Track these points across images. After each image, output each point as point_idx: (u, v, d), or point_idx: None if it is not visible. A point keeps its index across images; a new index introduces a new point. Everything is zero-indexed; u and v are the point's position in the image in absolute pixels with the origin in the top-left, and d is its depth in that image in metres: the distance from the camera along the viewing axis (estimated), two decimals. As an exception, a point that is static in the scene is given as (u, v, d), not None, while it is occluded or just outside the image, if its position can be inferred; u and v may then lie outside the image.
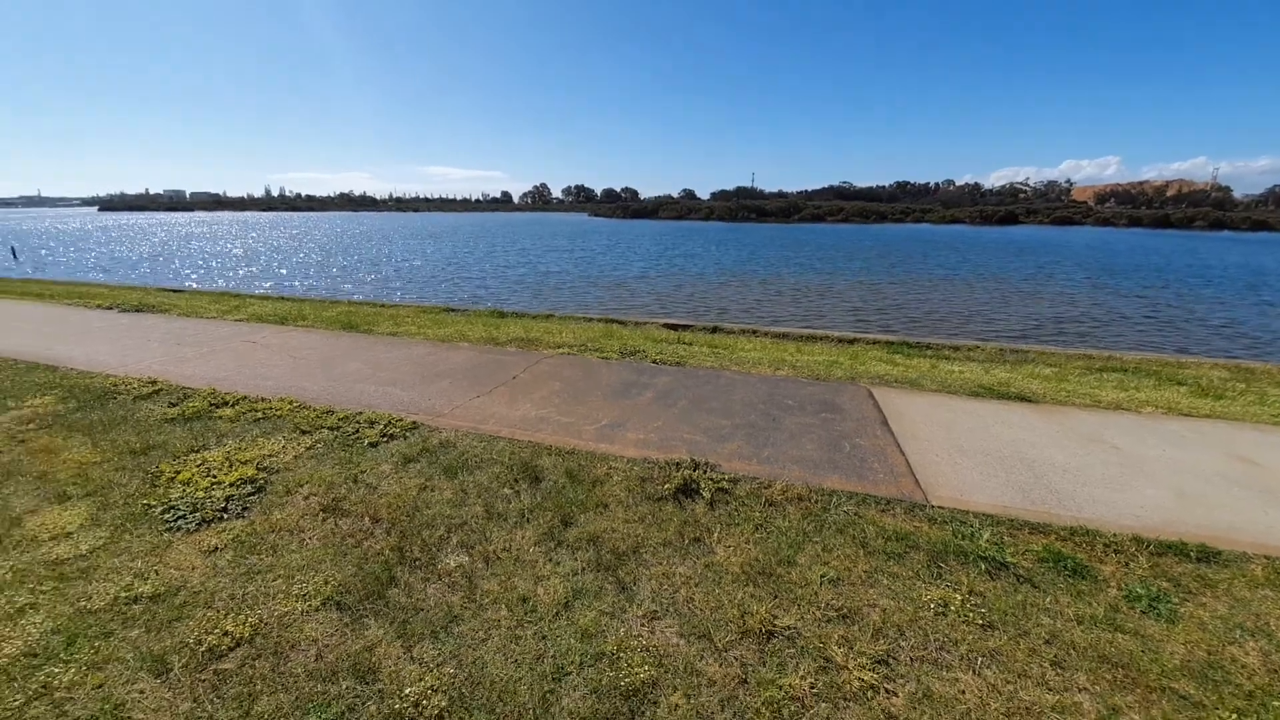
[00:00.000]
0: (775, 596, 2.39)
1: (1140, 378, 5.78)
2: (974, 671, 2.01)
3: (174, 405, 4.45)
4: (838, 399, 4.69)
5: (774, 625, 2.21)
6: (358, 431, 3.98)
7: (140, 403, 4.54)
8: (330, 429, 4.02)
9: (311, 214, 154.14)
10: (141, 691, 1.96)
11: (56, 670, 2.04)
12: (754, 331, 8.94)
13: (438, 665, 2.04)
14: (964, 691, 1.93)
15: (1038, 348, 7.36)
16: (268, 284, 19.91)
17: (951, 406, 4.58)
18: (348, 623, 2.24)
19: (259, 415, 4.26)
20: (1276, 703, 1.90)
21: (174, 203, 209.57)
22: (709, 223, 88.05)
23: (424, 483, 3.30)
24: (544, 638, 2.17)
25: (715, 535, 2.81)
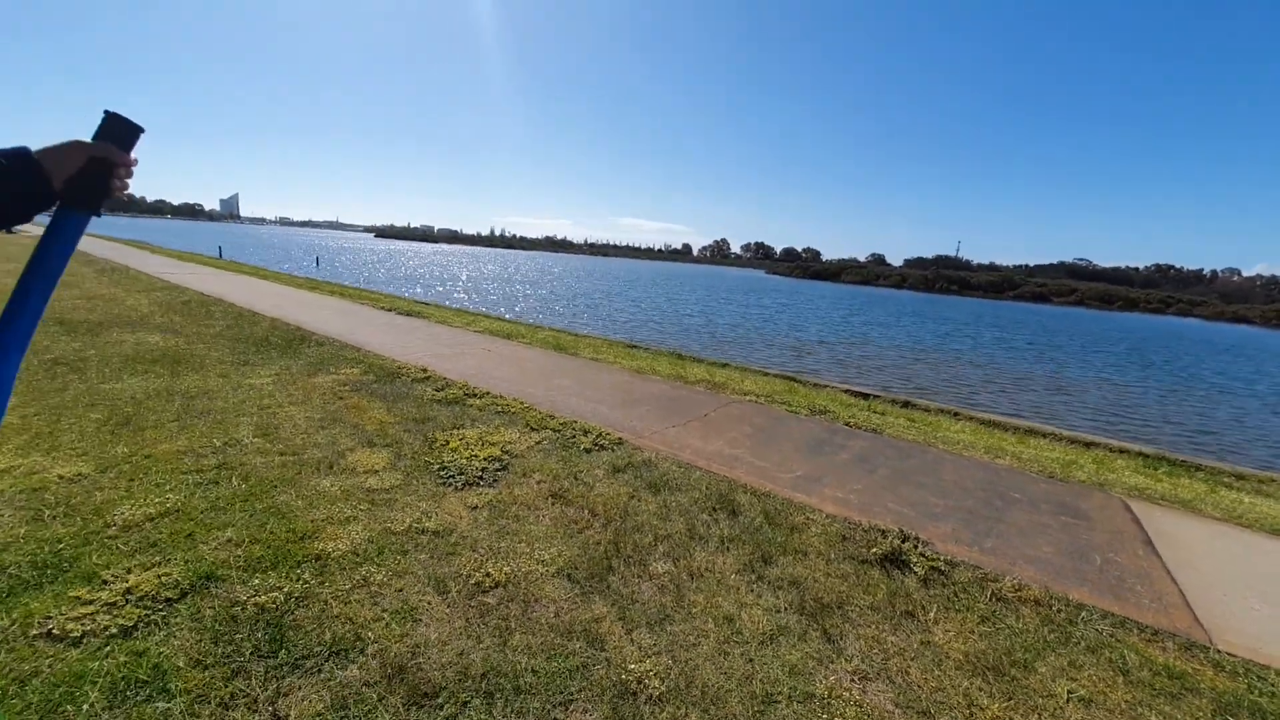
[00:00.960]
0: (1009, 698, 2.14)
1: None
2: None
3: (439, 390, 5.53)
4: (1081, 504, 4.03)
5: (1009, 727, 1.99)
6: (574, 437, 4.52)
7: (416, 384, 5.73)
8: (553, 430, 4.63)
9: (523, 252, 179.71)
10: (429, 602, 2.47)
11: (371, 570, 2.66)
12: (955, 413, 8.09)
13: (655, 654, 2.23)
14: None
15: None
16: (497, 304, 23.56)
17: (1244, 541, 3.64)
18: (578, 594, 2.56)
19: (499, 409, 5.08)
20: None
21: (425, 235, 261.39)
22: (900, 291, 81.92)
23: (632, 492, 3.62)
24: (751, 660, 2.23)
25: (931, 615, 2.62)
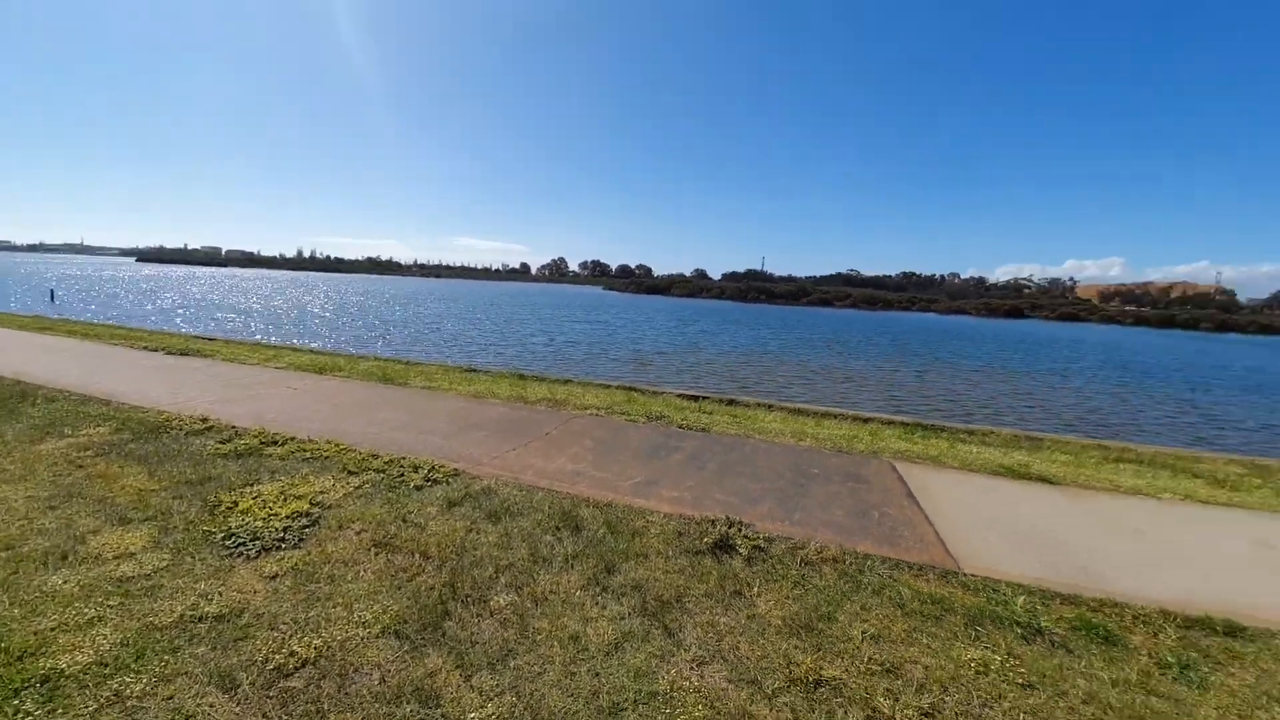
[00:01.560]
0: (819, 649, 2.46)
1: (1156, 469, 5.86)
2: (1019, 729, 2.06)
3: (225, 442, 4.66)
4: (862, 470, 4.83)
5: (820, 675, 2.28)
6: (402, 475, 4.15)
7: (192, 438, 4.76)
8: (376, 471, 4.20)
9: (343, 275, 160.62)
10: (211, 705, 2.05)
11: (128, 680, 2.13)
12: (769, 406, 9.14)
13: (497, 695, 2.12)
14: (1011, 748, 1.98)
15: (1052, 435, 7.48)
16: (303, 338, 20.58)
17: (974, 484, 4.69)
18: (408, 650, 2.34)
19: (308, 455, 4.45)
20: (1323, 781, 1.93)
21: (210, 258, 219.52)
22: (720, 301, 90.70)
23: (470, 525, 3.43)
24: (598, 675, 2.24)
25: (755, 589, 2.90)
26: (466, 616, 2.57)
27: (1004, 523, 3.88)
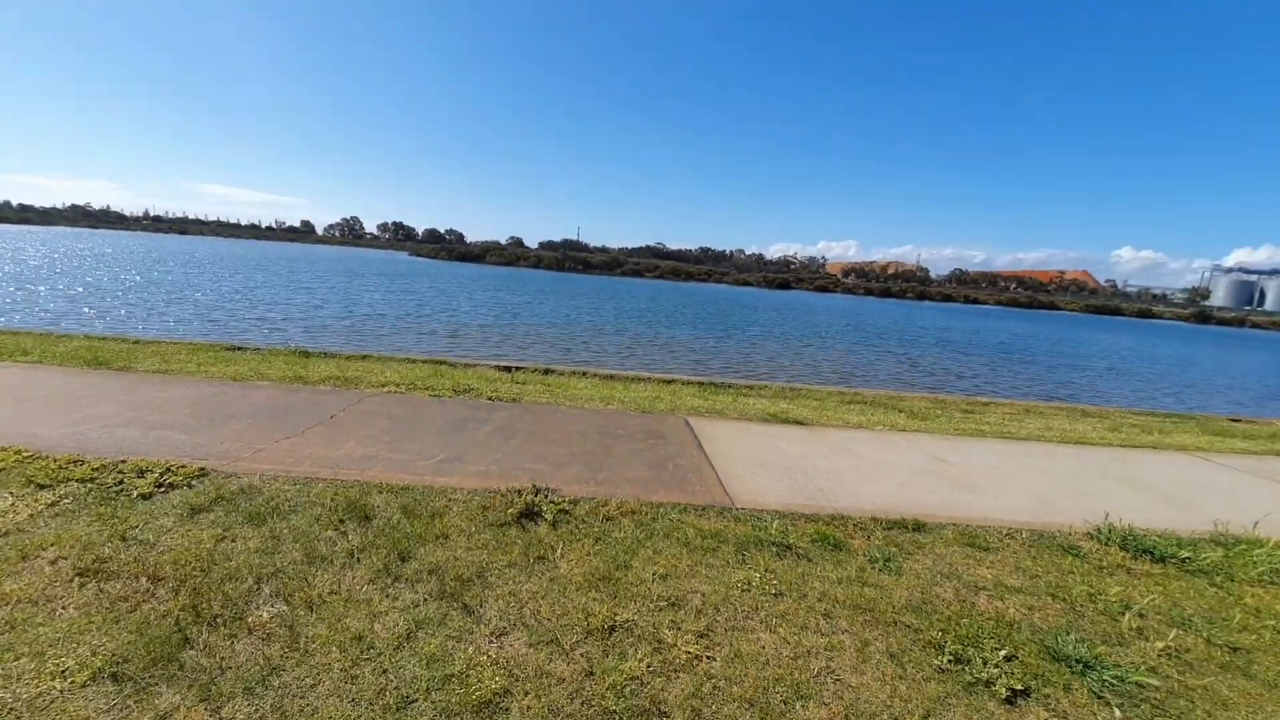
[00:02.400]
0: (615, 597, 2.64)
1: (874, 407, 7.50)
2: (770, 630, 2.49)
3: None
4: (661, 427, 5.26)
5: (614, 621, 2.46)
6: (122, 482, 3.30)
7: None
8: (81, 481, 3.27)
9: (34, 227, 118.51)
10: None
11: None
12: (584, 373, 9.38)
13: None
14: (764, 647, 2.39)
15: (808, 386, 9.07)
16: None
17: (749, 430, 5.45)
18: (130, 694, 1.90)
19: (-39, 471, 3.27)
20: (965, 620, 2.70)
21: None
22: (538, 270, 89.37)
23: (221, 534, 2.89)
24: (385, 671, 2.10)
25: (559, 552, 2.98)
26: (215, 640, 2.18)
27: (767, 461, 4.60)
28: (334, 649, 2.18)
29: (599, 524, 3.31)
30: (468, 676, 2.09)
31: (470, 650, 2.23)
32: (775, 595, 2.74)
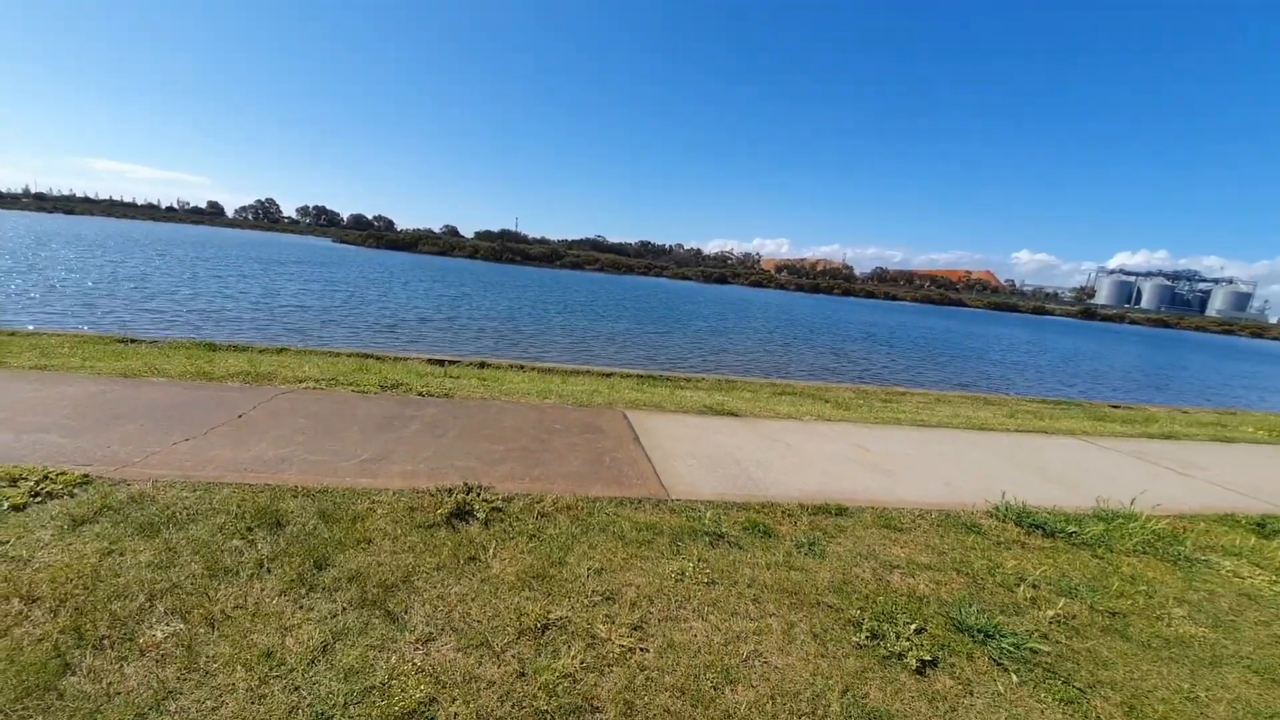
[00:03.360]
0: (549, 595, 2.61)
1: (804, 398, 7.84)
2: (702, 618, 2.55)
3: None
4: (598, 421, 5.24)
5: (548, 619, 2.43)
6: (-17, 495, 2.90)
7: None
8: (-73, 496, 2.85)
9: None
10: None
11: None
12: (522, 367, 9.19)
13: (148, 750, 1.69)
14: (696, 635, 2.44)
15: (742, 378, 9.34)
16: None
17: (685, 422, 5.54)
18: (-11, 735, 1.68)
19: None
20: (881, 598, 2.87)
21: None
22: (474, 261, 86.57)
23: (107, 547, 2.61)
24: (297, 688, 1.97)
25: (491, 551, 2.91)
26: (100, 665, 1.96)
27: (702, 452, 4.69)
28: (239, 668, 2.02)
29: (534, 521, 3.26)
30: (390, 687, 2.00)
31: (393, 659, 2.13)
32: (708, 584, 2.81)
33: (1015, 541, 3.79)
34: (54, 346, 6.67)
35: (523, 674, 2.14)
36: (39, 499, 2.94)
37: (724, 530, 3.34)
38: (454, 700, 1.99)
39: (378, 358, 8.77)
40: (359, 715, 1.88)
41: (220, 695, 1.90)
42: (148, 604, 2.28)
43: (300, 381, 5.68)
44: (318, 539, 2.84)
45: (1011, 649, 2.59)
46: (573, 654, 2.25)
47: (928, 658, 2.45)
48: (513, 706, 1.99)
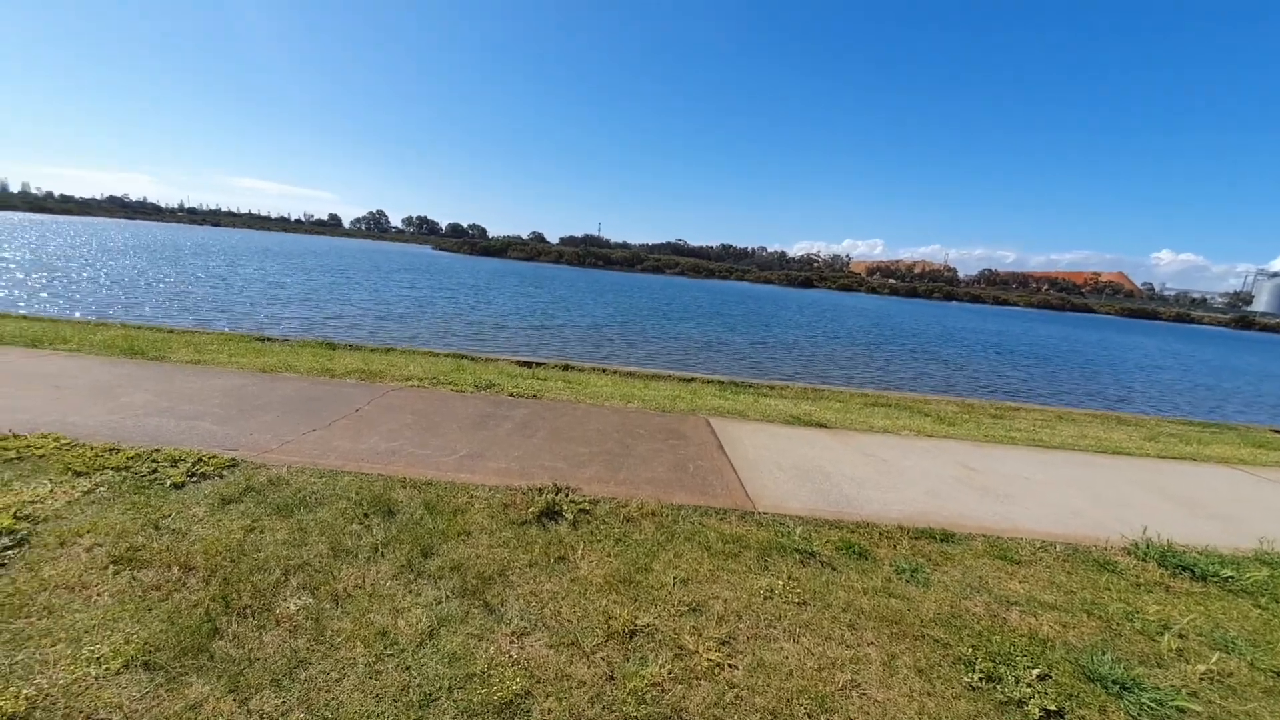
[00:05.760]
0: (635, 600, 2.62)
1: (900, 411, 7.35)
2: (793, 640, 2.44)
3: None
4: (681, 427, 5.22)
5: (635, 625, 2.44)
6: (155, 471, 3.39)
7: None
8: (116, 469, 3.36)
9: (72, 218, 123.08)
10: None
11: None
12: (603, 370, 9.38)
13: (282, 714, 1.87)
14: (788, 657, 2.34)
15: (830, 387, 8.93)
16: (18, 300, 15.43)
17: (771, 432, 5.38)
18: (161, 683, 1.94)
19: (10, 455, 3.39)
20: (996, 637, 2.62)
21: None
22: (558, 266, 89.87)
23: (250, 525, 2.95)
24: (408, 668, 2.11)
25: (579, 552, 2.97)
26: (243, 632, 2.21)
27: (790, 464, 4.53)
28: (359, 644, 2.20)
29: (619, 525, 3.29)
30: (489, 676, 2.09)
31: (491, 650, 2.23)
32: (799, 604, 2.69)
33: (1158, 584, 3.32)
34: (205, 343, 7.67)
35: (612, 677, 2.16)
36: (194, 479, 3.38)
37: (815, 549, 3.20)
38: (547, 696, 2.04)
39: (471, 358, 9.30)
40: (461, 700, 1.98)
41: (343, 668, 2.08)
42: (282, 578, 2.54)
43: (406, 380, 6.14)
44: (424, 528, 3.04)
45: (1153, 705, 2.26)
46: (660, 663, 2.24)
47: (1053, 707, 2.19)
48: (603, 709, 2.01)
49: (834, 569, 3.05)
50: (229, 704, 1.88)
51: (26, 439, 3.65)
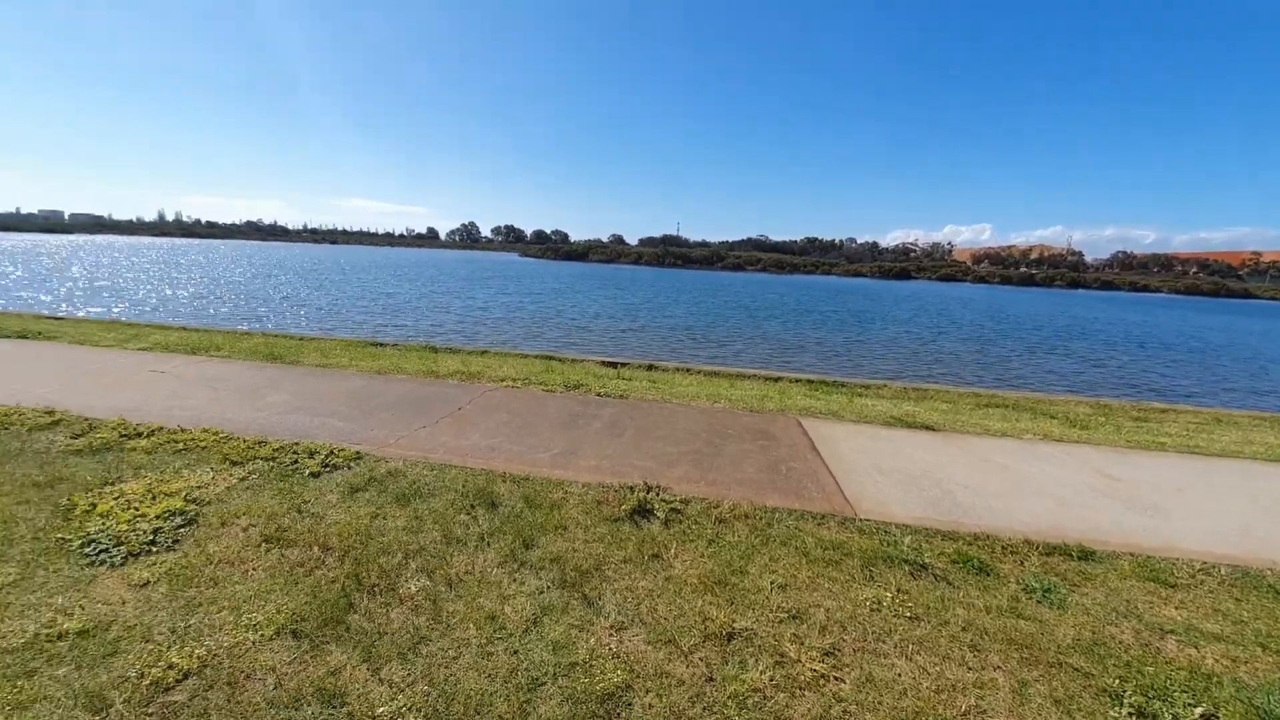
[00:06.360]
0: (732, 603, 2.57)
1: (1020, 412, 6.67)
2: (907, 657, 2.28)
3: (78, 436, 4.04)
4: (771, 428, 5.07)
5: (733, 628, 2.39)
6: (296, 462, 3.81)
7: (37, 434, 4.08)
8: (265, 460, 3.82)
9: (217, 241, 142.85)
10: (72, 733, 1.80)
11: (-36, 717, 1.83)
12: (688, 369, 9.34)
13: (409, 685, 2.03)
14: (900, 675, 2.19)
15: (935, 386, 8.28)
16: (178, 315, 18.20)
17: (869, 434, 5.08)
18: (307, 650, 2.17)
19: (180, 446, 3.96)
20: (1149, 668, 2.30)
21: (50, 224, 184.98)
22: (638, 267, 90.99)
23: (375, 511, 3.23)
24: (515, 652, 2.21)
25: (672, 551, 2.97)
26: (373, 607, 2.43)
27: (892, 468, 4.25)
28: (471, 626, 2.33)
29: (711, 526, 3.26)
30: (591, 666, 2.14)
31: (592, 641, 2.28)
32: (911, 619, 2.51)
33: (1365, 622, 2.75)
34: (330, 349, 8.54)
35: (711, 679, 2.13)
36: (328, 469, 3.76)
37: (926, 560, 2.97)
38: (648, 691, 2.05)
39: (559, 359, 9.63)
40: (566, 687, 2.04)
41: (459, 647, 2.21)
42: (404, 561, 2.76)
43: (501, 380, 6.47)
44: (524, 521, 3.18)
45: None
46: (761, 669, 2.18)
47: (1229, 757, 1.88)
48: (703, 709, 1.99)
49: (950, 584, 2.82)
50: (363, 672, 2.07)
51: (191, 433, 4.24)
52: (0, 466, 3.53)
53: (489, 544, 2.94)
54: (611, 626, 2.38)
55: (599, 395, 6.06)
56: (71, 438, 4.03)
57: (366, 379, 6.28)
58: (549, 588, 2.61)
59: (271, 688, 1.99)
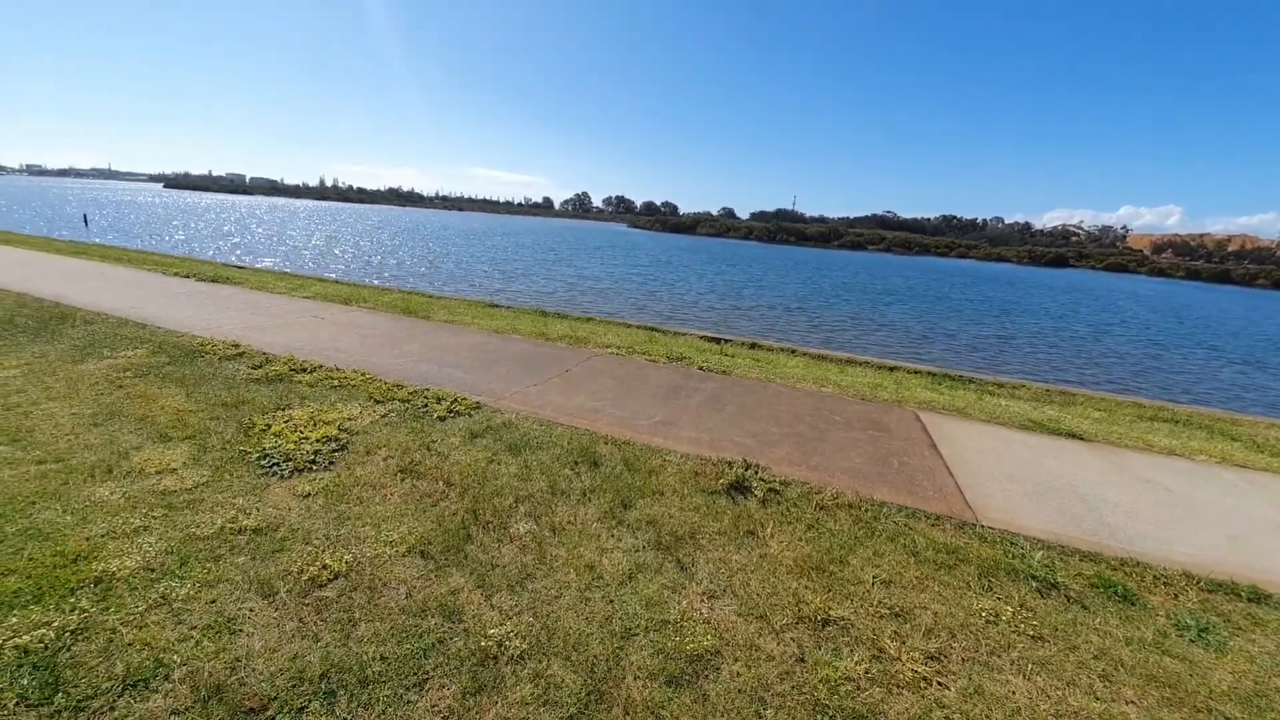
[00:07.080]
0: (829, 590, 2.50)
1: (1192, 429, 5.68)
2: (1024, 676, 2.09)
3: (257, 367, 4.80)
4: (884, 419, 4.77)
5: (828, 615, 2.33)
6: (426, 406, 4.23)
7: (226, 363, 4.91)
8: (401, 401, 4.29)
9: (365, 206, 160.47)
10: (251, 609, 2.18)
11: (173, 584, 2.28)
12: (793, 350, 9.01)
13: (516, 614, 2.22)
14: (1014, 692, 2.02)
15: (1085, 391, 7.27)
16: (334, 268, 20.83)
17: (1001, 437, 4.61)
18: (432, 570, 2.45)
19: (335, 383, 4.56)
20: (1329, 741, 1.93)
21: (234, 185, 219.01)
22: (747, 242, 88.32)
23: (490, 457, 3.51)
24: (611, 602, 2.33)
25: (768, 530, 2.94)
26: (487, 541, 2.67)
27: (1028, 477, 3.82)
28: (571, 571, 2.49)
29: (812, 511, 3.16)
30: (683, 627, 2.20)
31: (684, 604, 2.34)
32: (1034, 638, 2.29)
33: None
34: (455, 306, 9.29)
35: (802, 659, 2.11)
36: (452, 415, 4.14)
37: (1059, 579, 2.67)
38: (736, 660, 2.08)
39: (661, 331, 9.71)
40: (657, 642, 2.12)
41: (560, 589, 2.38)
42: (514, 505, 2.99)
43: (606, 347, 6.67)
44: (623, 482, 3.30)
45: None
46: (856, 659, 2.11)
47: None
48: (791, 687, 1.98)
49: (1084, 607, 2.52)
50: (478, 596, 2.30)
51: (345, 372, 4.85)
52: (199, 387, 4.28)
53: (590, 499, 3.09)
54: (703, 593, 2.43)
55: (701, 369, 6.05)
56: (252, 368, 4.79)
57: (485, 336, 6.77)
58: (644, 547, 2.70)
59: (403, 596, 2.27)
